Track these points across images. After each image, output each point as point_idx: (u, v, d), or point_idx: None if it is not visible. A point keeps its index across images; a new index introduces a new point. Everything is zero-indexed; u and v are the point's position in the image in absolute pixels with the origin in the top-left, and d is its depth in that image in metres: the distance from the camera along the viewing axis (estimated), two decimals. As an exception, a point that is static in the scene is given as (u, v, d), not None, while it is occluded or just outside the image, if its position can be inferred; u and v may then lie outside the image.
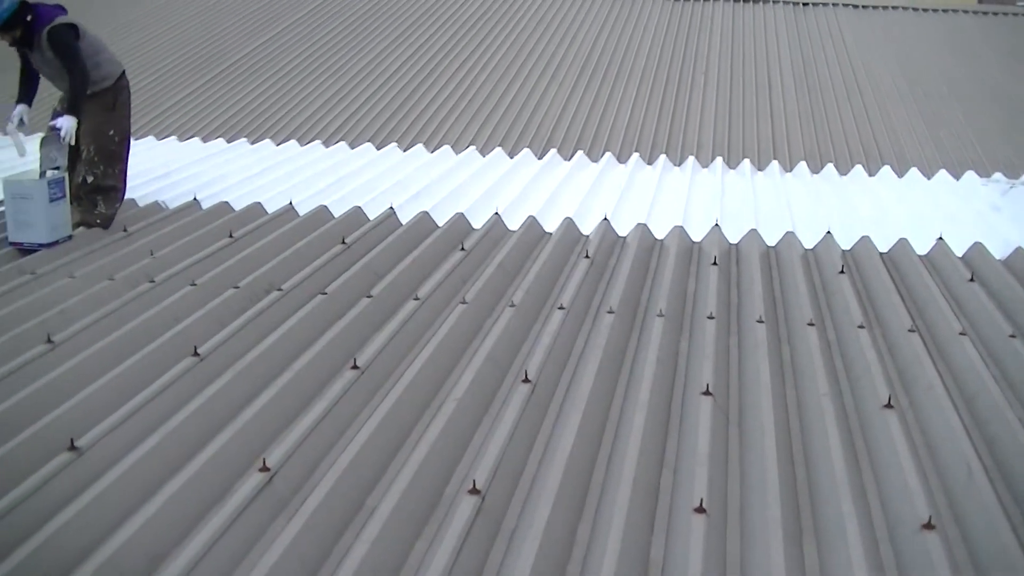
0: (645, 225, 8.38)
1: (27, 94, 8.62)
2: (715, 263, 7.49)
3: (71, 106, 8.13)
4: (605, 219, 8.45)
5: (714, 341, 6.08)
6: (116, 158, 8.52)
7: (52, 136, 8.05)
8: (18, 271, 7.41)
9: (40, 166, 8.03)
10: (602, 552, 3.98)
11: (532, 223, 8.36)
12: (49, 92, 8.97)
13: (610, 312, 6.47)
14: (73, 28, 8.17)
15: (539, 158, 11.01)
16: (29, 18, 8.05)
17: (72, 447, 4.71)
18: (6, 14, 7.92)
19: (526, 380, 5.42)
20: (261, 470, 4.53)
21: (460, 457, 4.86)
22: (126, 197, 9.00)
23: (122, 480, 4.52)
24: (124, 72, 8.72)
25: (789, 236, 8.14)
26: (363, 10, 17.78)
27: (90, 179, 8.34)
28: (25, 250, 7.83)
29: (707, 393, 5.31)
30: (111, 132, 8.41)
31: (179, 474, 4.58)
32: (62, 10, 8.30)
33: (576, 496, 4.51)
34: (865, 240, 7.97)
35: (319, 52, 15.70)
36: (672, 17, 17.10)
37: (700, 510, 4.20)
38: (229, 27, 17.27)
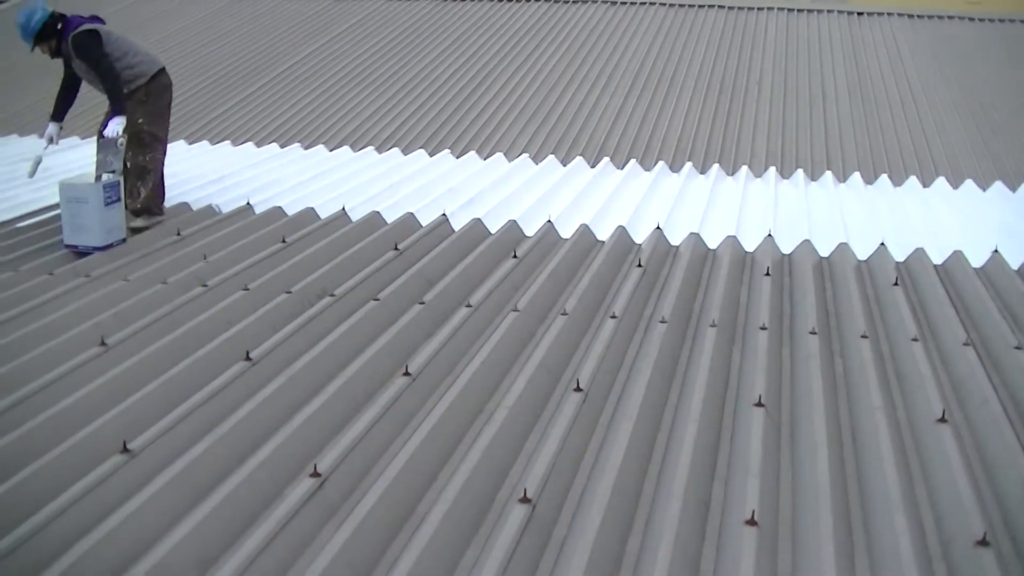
0: (698, 235, 8.35)
1: (62, 110, 8.92)
2: (768, 274, 7.45)
3: (113, 105, 8.37)
4: (658, 228, 8.43)
5: (766, 352, 6.04)
6: (143, 144, 8.66)
7: (107, 141, 8.13)
8: (73, 273, 7.47)
9: (95, 170, 8.10)
10: (652, 563, 3.96)
11: (584, 231, 8.34)
12: (97, 101, 9.03)
13: (662, 322, 6.44)
14: (93, 33, 8.37)
15: (592, 166, 11.00)
16: (59, 27, 8.34)
17: (125, 449, 4.73)
18: (38, 26, 8.26)
19: (578, 389, 5.40)
20: (312, 475, 4.54)
21: (511, 465, 4.85)
22: (180, 201, 9.14)
23: (173, 483, 4.53)
24: (163, 69, 8.91)
25: (842, 247, 8.09)
26: (415, 18, 17.82)
27: (129, 164, 8.54)
28: (80, 253, 7.91)
29: (759, 404, 5.28)
30: (140, 120, 8.54)
31: (230, 478, 4.59)
32: (96, 19, 8.60)
33: (626, 506, 4.49)
34: (919, 252, 7.91)
35: (372, 59, 15.73)
36: (725, 26, 17.05)
37: (751, 522, 4.17)
38: (282, 33, 17.35)
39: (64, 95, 8.87)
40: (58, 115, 8.90)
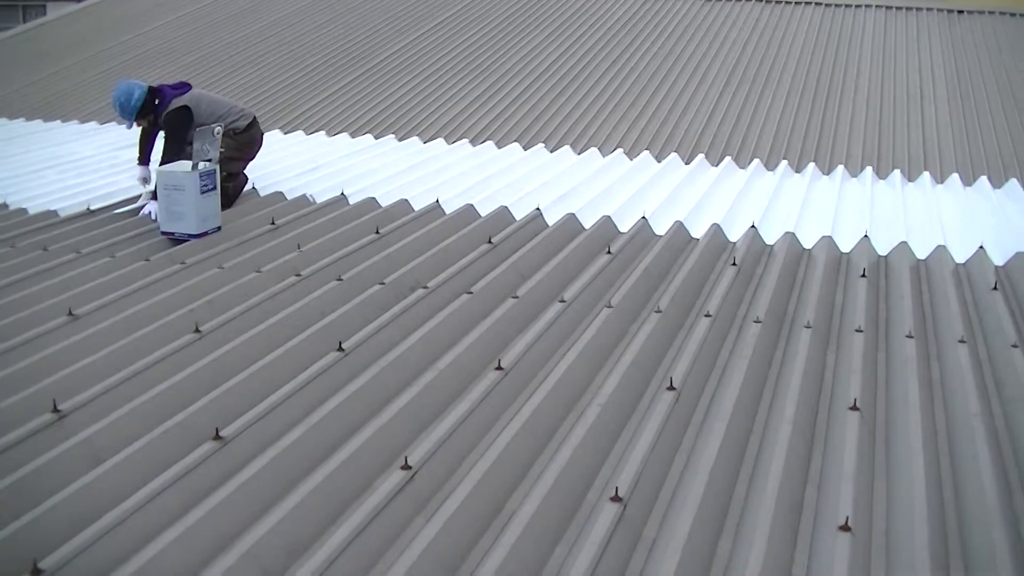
0: (793, 234, 8.25)
1: (146, 154, 9.33)
2: (864, 275, 7.36)
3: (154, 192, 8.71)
4: (752, 227, 8.35)
5: (862, 355, 5.96)
6: (227, 167, 8.83)
7: (204, 130, 8.21)
8: (168, 260, 7.54)
9: (192, 158, 8.16)
10: (743, 566, 3.92)
11: (679, 228, 8.28)
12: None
13: (756, 322, 6.38)
14: (184, 111, 8.84)
15: (686, 163, 10.92)
16: (156, 102, 8.88)
17: (217, 437, 4.76)
18: (139, 104, 8.78)
19: (671, 388, 5.36)
20: (402, 468, 4.53)
21: (602, 463, 4.81)
22: (275, 190, 9.45)
23: (264, 471, 4.55)
24: (253, 122, 9.38)
25: (940, 250, 7.96)
26: (511, 11, 17.82)
27: None
28: (176, 240, 7.99)
29: (854, 408, 5.21)
30: (222, 149, 8.64)
31: (321, 468, 4.61)
32: (185, 87, 9.10)
33: (718, 508, 4.44)
34: (1020, 256, 7.74)
35: (467, 51, 15.75)
36: (823, 23, 16.89)
37: (845, 528, 4.11)
38: (379, 24, 17.40)
39: (146, 140, 9.26)
40: (144, 159, 9.31)
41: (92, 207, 9.04)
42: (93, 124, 13.37)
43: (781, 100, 13.27)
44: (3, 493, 4.39)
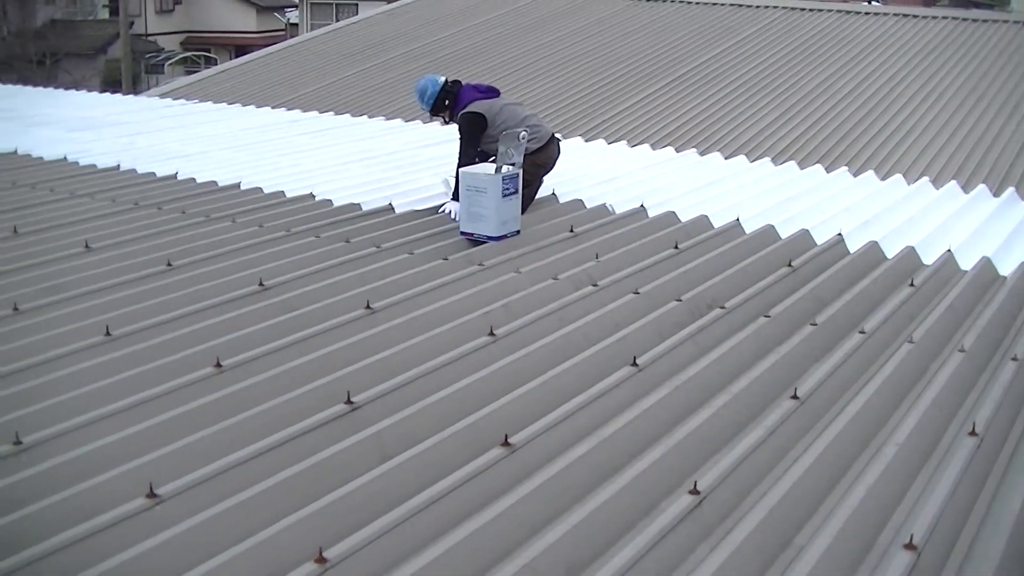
0: (1108, 280, 7.84)
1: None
2: None
3: (455, 192, 8.77)
4: (1064, 269, 7.98)
5: None
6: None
7: (510, 134, 8.27)
8: (466, 261, 7.61)
9: (497, 161, 8.24)
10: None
11: (986, 264, 7.95)
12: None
13: (1065, 370, 6.09)
14: (478, 118, 8.88)
15: (995, 195, 10.50)
16: (447, 102, 9.09)
17: (505, 443, 4.77)
18: (431, 100, 9.07)
19: (972, 433, 5.13)
20: (691, 492, 4.46)
21: (896, 506, 4.63)
22: (574, 198, 9.50)
23: (550, 483, 4.54)
24: (548, 142, 9.23)
25: None
26: (815, 30, 17.63)
27: None
28: (474, 241, 8.06)
29: None
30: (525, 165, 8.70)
31: (608, 485, 4.57)
32: (493, 92, 9.23)
33: (1020, 566, 4.23)
34: None
35: (770, 68, 15.60)
36: None
37: None
38: (684, 36, 17.39)
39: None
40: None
41: (393, 203, 9.20)
42: (399, 121, 13.70)
43: (1099, 134, 12.71)
44: (293, 479, 4.48)
